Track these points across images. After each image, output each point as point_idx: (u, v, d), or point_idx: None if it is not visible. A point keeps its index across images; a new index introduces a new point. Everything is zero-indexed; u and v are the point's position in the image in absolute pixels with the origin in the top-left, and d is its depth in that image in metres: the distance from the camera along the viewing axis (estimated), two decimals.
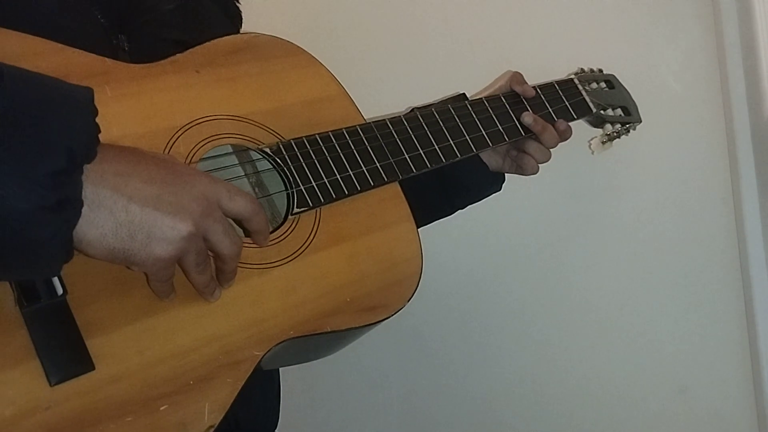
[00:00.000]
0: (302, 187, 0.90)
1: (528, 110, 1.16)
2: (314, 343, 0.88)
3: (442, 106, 1.10)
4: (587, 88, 1.29)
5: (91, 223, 0.64)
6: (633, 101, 1.38)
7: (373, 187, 0.96)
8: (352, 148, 0.96)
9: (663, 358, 1.55)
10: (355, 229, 0.94)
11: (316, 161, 0.93)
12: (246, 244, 0.82)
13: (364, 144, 0.98)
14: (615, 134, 1.33)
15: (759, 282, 1.47)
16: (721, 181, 1.53)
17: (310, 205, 0.90)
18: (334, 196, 0.92)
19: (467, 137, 1.08)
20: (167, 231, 0.67)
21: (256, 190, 0.97)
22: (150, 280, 0.73)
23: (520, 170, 1.20)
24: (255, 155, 0.92)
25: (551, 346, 1.60)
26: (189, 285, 0.76)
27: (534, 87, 1.19)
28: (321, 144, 0.94)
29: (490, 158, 1.19)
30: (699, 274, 1.55)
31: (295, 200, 0.89)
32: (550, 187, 1.50)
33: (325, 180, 0.92)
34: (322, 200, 0.91)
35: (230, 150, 0.92)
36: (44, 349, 0.68)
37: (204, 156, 0.86)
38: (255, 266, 0.83)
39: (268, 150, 0.90)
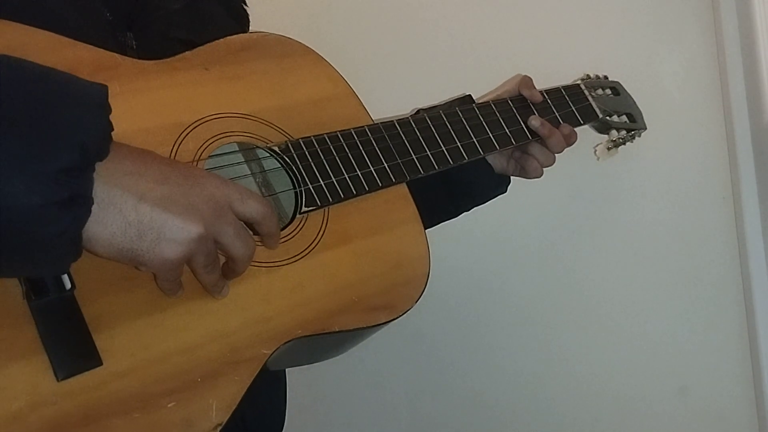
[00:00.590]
0: (310, 186, 0.90)
1: (535, 114, 1.16)
2: (321, 343, 0.87)
3: (449, 108, 1.10)
4: (593, 94, 1.29)
5: (100, 222, 0.63)
6: (638, 108, 1.38)
7: (381, 188, 0.96)
8: (361, 148, 0.96)
9: (663, 358, 1.56)
10: (363, 228, 0.93)
11: (324, 160, 0.92)
12: None
13: (372, 144, 0.97)
14: (620, 140, 1.33)
15: (759, 282, 1.48)
16: (721, 181, 1.53)
17: (319, 204, 0.90)
18: (342, 195, 0.92)
19: (474, 139, 1.08)
20: (177, 232, 0.66)
21: (263, 188, 0.97)
22: (158, 280, 0.73)
23: (524, 173, 1.20)
24: (262, 153, 0.92)
25: (552, 345, 1.60)
26: (197, 282, 0.75)
27: (541, 91, 1.19)
28: (329, 143, 0.94)
29: (495, 160, 1.19)
30: (699, 274, 1.55)
31: (303, 199, 0.89)
32: (550, 189, 1.50)
33: (334, 179, 0.92)
34: (331, 200, 0.91)
35: (237, 148, 0.92)
36: (52, 343, 0.67)
37: (212, 154, 0.85)
38: (263, 264, 0.83)
39: (276, 148, 0.90)
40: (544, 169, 1.19)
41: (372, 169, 0.96)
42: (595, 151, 1.35)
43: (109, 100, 0.66)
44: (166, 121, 0.83)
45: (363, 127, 0.98)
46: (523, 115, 1.15)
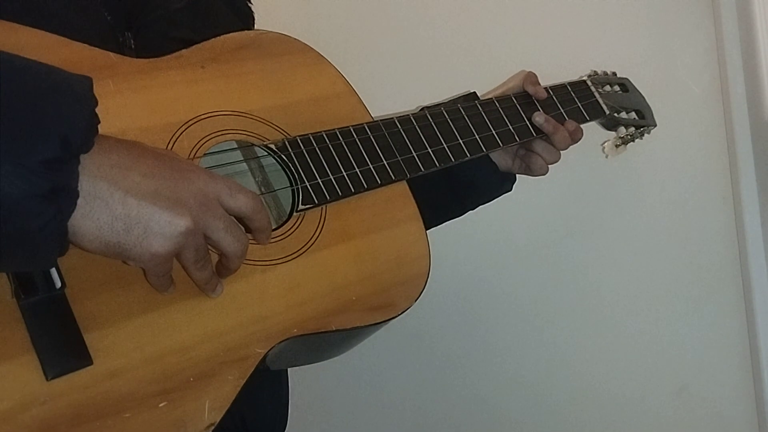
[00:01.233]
0: (308, 184, 0.89)
1: (539, 110, 1.14)
2: (319, 342, 0.86)
3: (452, 105, 1.09)
4: (600, 90, 1.27)
5: (86, 216, 0.63)
6: (647, 105, 1.36)
7: (380, 186, 0.95)
8: (359, 145, 0.95)
9: (663, 357, 1.55)
10: (361, 227, 0.92)
11: (322, 158, 0.91)
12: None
13: (372, 141, 0.96)
14: (629, 137, 1.31)
15: (759, 282, 1.48)
16: (721, 181, 1.52)
17: (316, 202, 0.89)
18: (340, 193, 0.91)
19: (477, 136, 1.07)
20: (164, 226, 0.66)
21: (261, 187, 0.96)
22: (147, 275, 0.72)
23: (529, 171, 1.18)
24: (260, 151, 0.91)
25: (552, 345, 1.60)
26: (191, 281, 0.75)
27: (546, 88, 1.18)
28: (327, 141, 0.93)
29: (500, 158, 1.18)
30: (699, 274, 1.54)
31: (300, 197, 0.88)
32: (550, 187, 1.49)
33: (331, 177, 0.91)
34: (328, 197, 0.90)
35: (235, 146, 0.91)
36: (41, 342, 0.66)
37: (208, 151, 0.85)
38: (258, 263, 0.82)
39: (273, 146, 0.89)
40: (549, 166, 1.17)
41: (371, 166, 0.95)
42: (603, 148, 1.33)
43: (105, 98, 0.66)
44: (162, 120, 0.83)
45: (362, 124, 0.97)
46: (528, 111, 1.14)
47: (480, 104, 1.10)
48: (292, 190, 0.89)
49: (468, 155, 1.05)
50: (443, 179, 1.11)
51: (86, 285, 0.70)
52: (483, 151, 1.07)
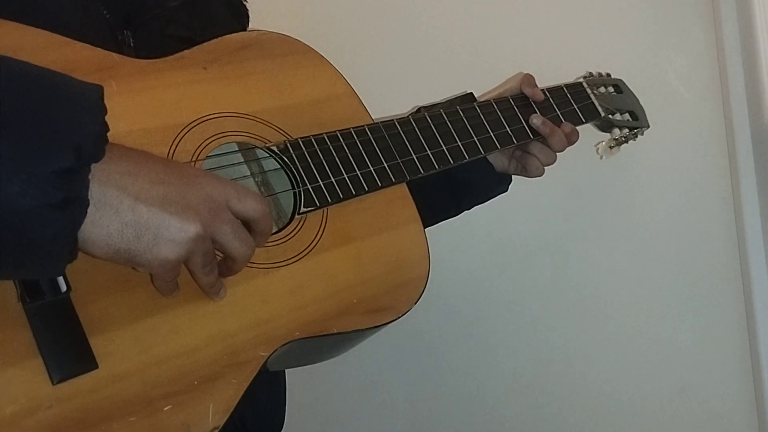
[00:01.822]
0: (309, 186, 0.89)
1: (536, 113, 1.15)
2: (320, 344, 0.86)
3: (450, 106, 1.09)
4: (596, 92, 1.28)
5: (96, 223, 0.62)
6: (641, 106, 1.37)
7: (381, 188, 0.95)
8: (360, 147, 0.95)
9: (662, 357, 1.55)
10: (362, 229, 0.93)
11: (323, 160, 0.91)
12: None
13: (372, 144, 0.97)
14: (623, 139, 1.32)
15: (759, 282, 1.47)
16: (721, 181, 1.53)
17: (317, 204, 0.89)
18: (341, 195, 0.91)
19: (475, 139, 1.07)
20: (174, 232, 0.66)
21: (262, 188, 0.96)
22: (154, 280, 0.72)
23: (525, 172, 1.19)
24: (261, 153, 0.91)
25: (551, 345, 1.60)
26: (194, 284, 0.75)
27: (543, 90, 1.19)
28: (329, 143, 0.93)
29: (496, 159, 1.19)
30: (699, 273, 1.55)
31: (302, 199, 0.88)
32: (550, 187, 1.50)
33: (333, 179, 0.91)
34: (330, 200, 0.90)
35: (236, 148, 0.91)
36: (47, 346, 0.66)
37: (210, 154, 0.85)
38: (261, 266, 0.82)
39: (275, 148, 0.89)
40: (545, 167, 1.18)
41: (372, 169, 0.95)
42: (597, 149, 1.35)
43: (107, 99, 0.66)
44: (164, 121, 0.83)
45: (363, 126, 0.97)
46: (525, 113, 1.15)
47: (478, 106, 1.11)
48: (294, 193, 0.89)
49: (466, 157, 1.06)
50: (440, 179, 1.11)
51: (91, 289, 0.70)
52: (481, 153, 1.08)
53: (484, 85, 1.22)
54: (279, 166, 0.91)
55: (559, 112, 1.19)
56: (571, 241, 1.59)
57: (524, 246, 1.60)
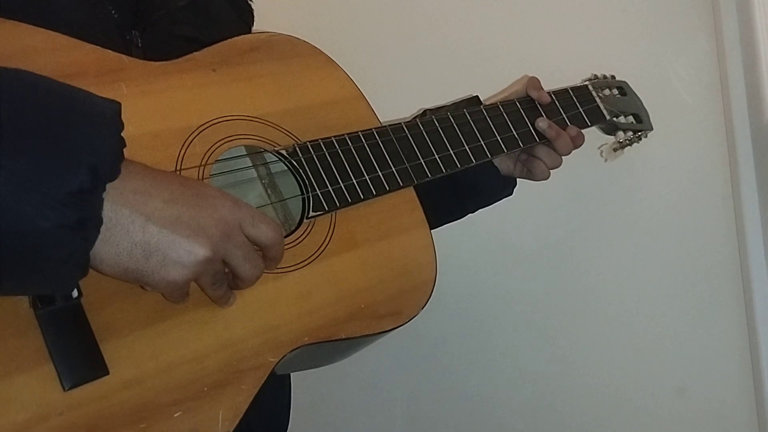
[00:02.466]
0: (318, 191, 0.89)
1: (543, 116, 1.15)
2: (328, 349, 0.86)
3: (457, 109, 1.09)
4: (600, 94, 1.28)
5: (106, 241, 0.62)
6: (644, 108, 1.37)
7: (389, 192, 0.95)
8: (368, 151, 0.95)
9: (662, 357, 1.55)
10: (369, 234, 0.92)
11: (332, 164, 0.91)
12: None
13: (380, 148, 0.96)
14: (627, 141, 1.32)
15: (759, 282, 1.47)
16: (721, 182, 1.53)
17: (326, 209, 0.89)
18: (349, 200, 0.91)
19: (482, 142, 1.07)
20: (183, 255, 0.65)
21: (268, 190, 0.96)
22: (164, 295, 0.72)
23: (530, 175, 1.19)
24: (270, 157, 0.91)
25: (552, 345, 1.60)
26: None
27: (549, 93, 1.18)
28: (337, 147, 0.93)
29: (501, 162, 1.19)
30: (699, 274, 1.55)
31: (311, 204, 0.88)
32: (550, 188, 1.50)
33: (341, 184, 0.91)
34: (338, 204, 0.90)
35: (244, 151, 0.91)
36: (58, 352, 0.66)
37: (219, 158, 0.84)
38: (269, 271, 0.82)
39: (284, 152, 0.89)
40: (551, 171, 1.18)
41: (380, 173, 0.95)
42: (601, 152, 1.34)
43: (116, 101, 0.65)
44: (174, 125, 0.82)
45: (371, 130, 0.97)
46: (531, 116, 1.14)
47: (485, 109, 1.11)
48: (302, 198, 0.89)
49: (473, 161, 1.06)
50: (445, 182, 1.11)
51: (102, 295, 0.70)
52: (488, 156, 1.08)
53: (490, 88, 1.22)
54: (287, 170, 0.90)
55: (564, 116, 1.19)
56: (571, 241, 1.60)
57: (524, 246, 1.61)
